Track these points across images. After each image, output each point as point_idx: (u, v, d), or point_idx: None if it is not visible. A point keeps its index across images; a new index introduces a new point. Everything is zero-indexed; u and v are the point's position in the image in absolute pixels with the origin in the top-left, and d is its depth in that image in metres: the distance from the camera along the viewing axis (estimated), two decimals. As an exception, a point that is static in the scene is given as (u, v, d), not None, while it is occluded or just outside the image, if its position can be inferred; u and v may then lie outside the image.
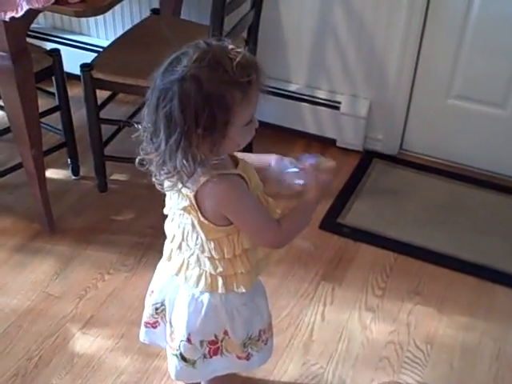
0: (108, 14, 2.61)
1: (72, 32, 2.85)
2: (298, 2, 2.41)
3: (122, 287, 2.02)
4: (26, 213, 2.27)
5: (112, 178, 2.44)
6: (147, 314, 1.51)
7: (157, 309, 1.47)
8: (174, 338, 1.43)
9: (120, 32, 2.54)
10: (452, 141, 2.51)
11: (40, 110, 2.06)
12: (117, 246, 2.16)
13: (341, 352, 1.85)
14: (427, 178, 2.50)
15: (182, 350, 1.41)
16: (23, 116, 1.91)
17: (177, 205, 1.28)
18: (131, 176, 2.45)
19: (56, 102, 2.27)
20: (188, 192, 1.22)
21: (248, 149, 2.52)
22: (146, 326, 1.53)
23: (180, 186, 1.21)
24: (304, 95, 2.57)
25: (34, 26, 2.22)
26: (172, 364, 1.47)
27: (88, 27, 2.81)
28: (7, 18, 1.61)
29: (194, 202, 1.22)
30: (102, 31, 2.78)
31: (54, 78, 2.19)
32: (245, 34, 2.27)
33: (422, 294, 2.04)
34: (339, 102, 2.52)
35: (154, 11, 2.46)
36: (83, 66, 2.09)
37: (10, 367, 1.77)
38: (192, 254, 1.32)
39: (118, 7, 2.49)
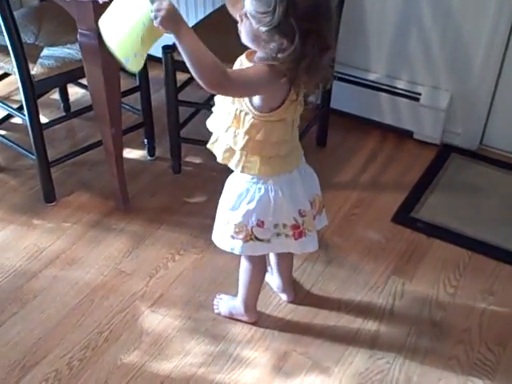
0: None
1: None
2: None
3: (191, 268, 2.05)
4: (103, 190, 2.33)
5: (186, 160, 2.47)
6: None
7: None
8: None
9: (201, 15, 2.55)
10: (537, 138, 2.41)
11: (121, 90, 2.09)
12: (188, 227, 2.19)
13: (409, 348, 1.81)
14: (507, 176, 2.40)
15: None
16: (105, 95, 1.95)
17: None
18: (204, 159, 2.46)
19: (136, 83, 2.31)
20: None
21: (323, 136, 2.51)
22: None
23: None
24: (383, 85, 2.51)
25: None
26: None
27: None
28: (100, 0, 1.64)
29: None
30: (183, 13, 2.79)
31: (135, 58, 2.22)
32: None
33: (496, 294, 1.97)
34: (419, 94, 2.46)
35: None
36: (165, 48, 2.11)
37: (81, 339, 1.82)
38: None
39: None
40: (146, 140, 2.46)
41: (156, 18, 1.27)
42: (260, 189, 1.53)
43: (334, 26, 1.36)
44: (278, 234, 1.58)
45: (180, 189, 2.36)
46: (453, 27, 2.32)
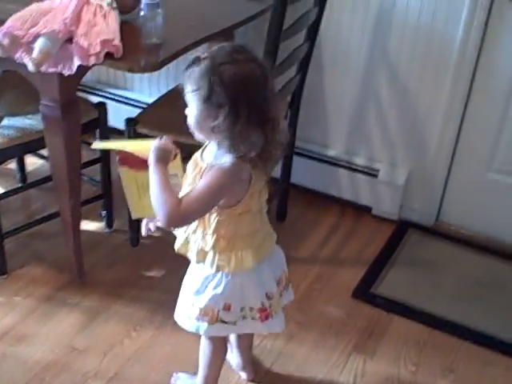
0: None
1: (115, 87, 2.90)
2: (342, 68, 2.43)
3: (148, 345, 1.98)
4: (57, 262, 2.26)
5: (144, 232, 2.43)
6: None
7: None
8: None
9: (164, 89, 2.58)
10: (491, 215, 2.46)
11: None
12: (146, 302, 2.13)
13: (371, 429, 1.77)
14: (464, 252, 2.44)
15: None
16: (66, 166, 1.93)
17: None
18: (163, 232, 2.42)
19: (97, 155, 2.29)
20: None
21: (283, 211, 2.52)
22: None
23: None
24: (342, 161, 2.56)
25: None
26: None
27: (132, 82, 2.86)
28: (65, 73, 1.64)
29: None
30: (146, 87, 2.83)
31: (98, 130, 2.22)
32: (289, 98, 2.29)
33: (456, 371, 1.96)
34: (377, 170, 2.51)
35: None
36: (129, 120, 2.11)
37: (29, 421, 1.72)
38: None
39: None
40: (104, 212, 2.42)
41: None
42: (227, 274, 1.49)
43: (275, 99, 1.37)
44: (244, 317, 1.54)
45: (138, 262, 2.31)
46: (409, 107, 2.40)
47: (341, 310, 2.14)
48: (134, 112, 2.29)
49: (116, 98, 2.82)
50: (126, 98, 2.82)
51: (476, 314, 2.14)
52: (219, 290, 1.50)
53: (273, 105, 1.33)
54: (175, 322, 1.64)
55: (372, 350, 2.01)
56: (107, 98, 2.78)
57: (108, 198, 2.38)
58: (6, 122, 2.13)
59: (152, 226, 1.59)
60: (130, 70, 1.72)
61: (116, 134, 2.35)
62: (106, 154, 2.28)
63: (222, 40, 1.46)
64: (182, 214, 1.35)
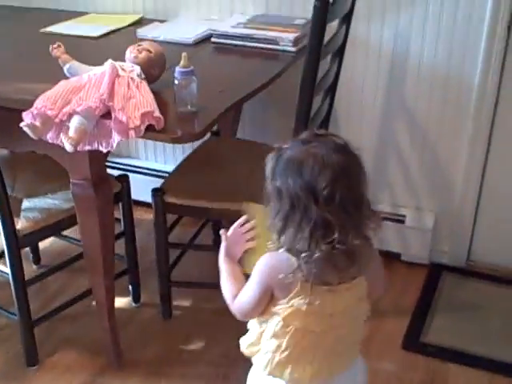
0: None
1: (129, 157, 2.84)
2: (357, 120, 2.42)
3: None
4: (90, 346, 2.14)
5: (175, 303, 2.33)
6: None
7: None
8: None
9: (179, 156, 2.53)
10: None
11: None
12: (191, 378, 2.03)
13: None
14: (501, 289, 2.40)
15: None
16: (101, 244, 1.84)
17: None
18: (195, 301, 2.35)
19: (121, 228, 2.21)
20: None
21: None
22: None
23: None
24: (367, 210, 2.52)
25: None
26: None
27: (144, 152, 2.81)
28: (104, 150, 1.58)
29: None
30: (161, 157, 2.78)
31: (120, 204, 2.14)
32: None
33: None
34: (404, 216, 2.47)
35: (214, 133, 2.45)
36: (155, 191, 2.05)
37: None
38: None
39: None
40: (130, 286, 2.32)
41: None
42: None
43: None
44: None
45: (174, 336, 2.21)
46: (430, 151, 2.39)
47: (394, 365, 2.07)
48: (151, 182, 2.23)
49: (131, 169, 2.75)
50: (141, 167, 2.76)
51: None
52: None
53: None
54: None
55: (435, 403, 1.94)
56: (122, 169, 2.70)
57: (134, 273, 2.29)
58: (26, 204, 2.05)
59: None
60: (174, 141, 1.66)
61: (139, 205, 2.28)
62: (131, 226, 2.21)
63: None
64: (236, 308, 1.32)
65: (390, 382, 2.01)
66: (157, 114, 1.57)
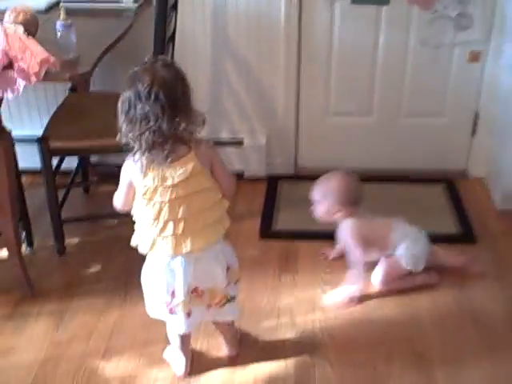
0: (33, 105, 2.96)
1: None
2: (192, 62, 2.89)
3: (120, 321, 2.26)
4: (3, 285, 2.41)
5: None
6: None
7: None
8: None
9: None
10: (336, 150, 3.12)
11: None
12: (98, 292, 2.39)
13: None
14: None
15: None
16: (8, 185, 2.14)
17: (173, 180, 1.69)
18: (82, 236, 2.69)
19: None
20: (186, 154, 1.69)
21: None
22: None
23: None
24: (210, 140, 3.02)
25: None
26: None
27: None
28: (12, 96, 1.88)
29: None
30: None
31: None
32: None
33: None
34: (242, 138, 3.04)
35: (71, 89, 2.79)
36: (40, 139, 2.35)
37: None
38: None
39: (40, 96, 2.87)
40: (24, 232, 2.58)
41: None
42: None
43: None
44: None
45: (73, 266, 2.55)
46: (255, 82, 2.96)
47: (256, 251, 2.62)
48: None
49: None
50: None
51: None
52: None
53: None
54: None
55: (294, 268, 2.51)
56: None
57: (25, 220, 2.57)
58: None
59: None
60: (72, 79, 2.02)
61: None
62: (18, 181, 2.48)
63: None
64: (115, 202, 1.87)
65: (255, 264, 2.54)
66: (52, 59, 1.91)
